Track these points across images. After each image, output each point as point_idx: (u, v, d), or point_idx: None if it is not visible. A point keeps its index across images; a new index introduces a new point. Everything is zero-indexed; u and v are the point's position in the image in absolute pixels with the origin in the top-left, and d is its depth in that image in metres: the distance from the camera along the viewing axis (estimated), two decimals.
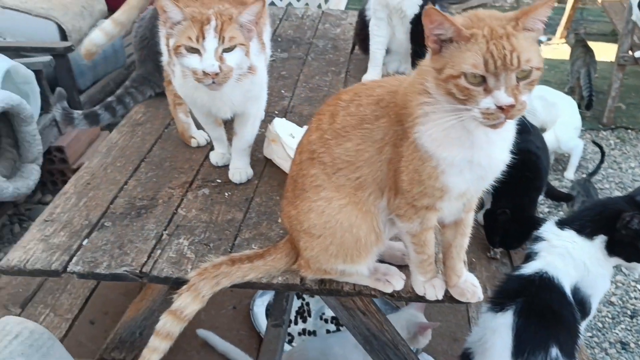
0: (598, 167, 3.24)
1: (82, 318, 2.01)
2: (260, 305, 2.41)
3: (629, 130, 4.01)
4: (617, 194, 3.35)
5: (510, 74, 0.92)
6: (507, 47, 0.91)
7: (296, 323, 2.48)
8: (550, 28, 5.55)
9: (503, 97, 0.92)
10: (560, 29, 5.29)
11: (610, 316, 2.61)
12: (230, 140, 1.70)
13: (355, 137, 1.11)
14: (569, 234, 1.42)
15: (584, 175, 3.33)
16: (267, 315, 2.28)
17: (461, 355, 1.53)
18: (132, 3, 1.92)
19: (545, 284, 1.38)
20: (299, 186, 1.21)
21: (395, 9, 2.00)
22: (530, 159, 1.90)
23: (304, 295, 2.48)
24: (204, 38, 1.30)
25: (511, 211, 1.90)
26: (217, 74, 1.32)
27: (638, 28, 3.91)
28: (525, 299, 1.37)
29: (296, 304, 2.53)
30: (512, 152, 2.01)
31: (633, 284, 2.76)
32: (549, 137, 3.46)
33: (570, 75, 4.35)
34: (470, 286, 1.24)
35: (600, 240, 1.41)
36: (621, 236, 1.38)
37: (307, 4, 3.95)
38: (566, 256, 1.40)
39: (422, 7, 1.92)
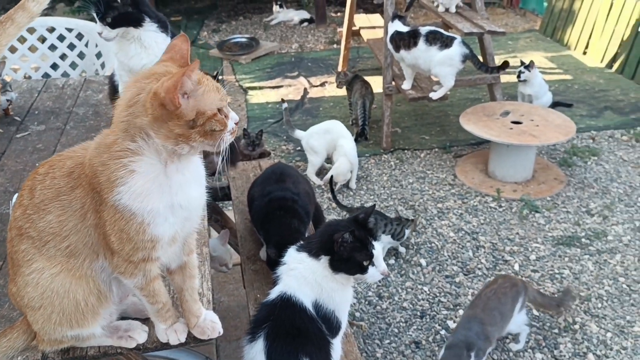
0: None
1: None
2: None
3: (405, 151, 4.48)
4: (400, 209, 3.72)
5: None
6: (214, 83, 1.12)
7: None
8: (331, 67, 6.07)
9: (235, 115, 1.13)
10: (339, 68, 5.80)
11: (403, 320, 2.86)
12: None
13: (55, 209, 1.15)
14: (301, 256, 1.57)
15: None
16: None
17: None
18: None
19: (286, 304, 1.50)
20: (15, 263, 1.20)
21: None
22: (286, 204, 2.11)
23: None
24: None
25: (279, 246, 2.05)
26: None
27: (396, 61, 4.44)
28: (271, 323, 1.48)
29: None
30: (272, 200, 2.17)
31: (420, 286, 3.07)
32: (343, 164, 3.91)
33: (352, 109, 4.79)
34: (210, 323, 1.31)
35: (325, 259, 1.54)
36: (339, 255, 1.52)
37: (84, 71, 3.88)
38: (299, 276, 1.54)
39: None
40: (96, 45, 3.82)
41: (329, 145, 4.05)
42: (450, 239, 3.43)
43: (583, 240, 3.35)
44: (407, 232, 3.22)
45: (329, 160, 4.13)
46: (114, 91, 2.22)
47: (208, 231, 3.21)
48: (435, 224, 3.58)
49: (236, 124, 1.14)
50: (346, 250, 1.50)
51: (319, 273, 1.55)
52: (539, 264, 3.17)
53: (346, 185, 4.01)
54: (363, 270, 1.55)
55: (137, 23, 1.99)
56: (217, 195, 2.72)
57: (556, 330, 2.73)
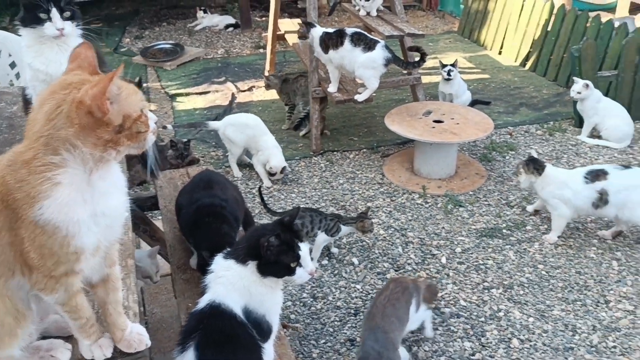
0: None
1: None
2: None
3: (335, 152, 4.55)
4: (332, 209, 3.77)
5: None
6: (132, 85, 1.14)
7: None
8: (258, 72, 6.07)
9: (153, 115, 1.16)
10: (266, 72, 5.80)
11: (337, 319, 2.90)
12: None
13: None
14: (229, 263, 1.56)
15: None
16: None
17: None
18: None
19: (215, 312, 1.50)
20: None
21: None
22: (215, 210, 2.10)
23: None
24: None
25: (211, 250, 2.05)
26: None
27: (322, 64, 4.49)
28: (201, 332, 1.48)
29: None
30: (201, 207, 2.15)
31: (353, 285, 3.12)
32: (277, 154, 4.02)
33: (291, 112, 4.85)
34: (137, 335, 1.30)
35: (252, 264, 1.54)
36: (266, 259, 1.53)
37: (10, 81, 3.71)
38: (227, 283, 1.54)
39: None
40: (9, 55, 3.66)
41: (249, 139, 4.11)
42: (381, 237, 3.51)
43: (504, 231, 3.52)
44: (344, 228, 3.24)
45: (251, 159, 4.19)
46: (27, 105, 2.13)
47: (137, 243, 3.15)
48: None
49: (155, 123, 1.16)
50: (273, 253, 1.52)
51: (247, 278, 1.55)
52: (464, 256, 3.30)
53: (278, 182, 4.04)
54: (291, 272, 1.57)
55: (80, 19, 1.91)
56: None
57: (482, 319, 2.85)
